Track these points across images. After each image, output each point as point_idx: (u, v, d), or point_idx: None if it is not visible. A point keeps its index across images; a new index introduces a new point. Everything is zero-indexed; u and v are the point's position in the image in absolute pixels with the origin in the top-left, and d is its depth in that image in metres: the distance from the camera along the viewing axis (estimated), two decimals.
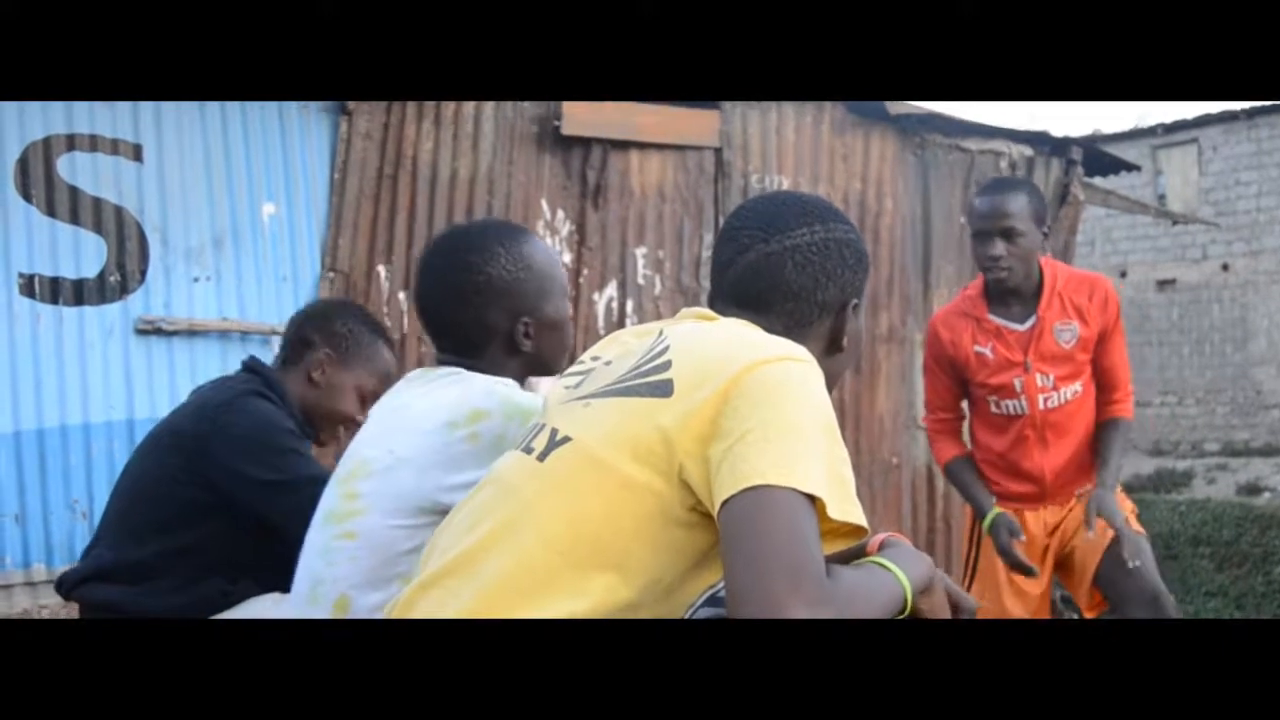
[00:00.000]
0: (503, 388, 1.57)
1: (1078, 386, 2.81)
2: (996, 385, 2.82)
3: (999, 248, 2.71)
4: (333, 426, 2.26)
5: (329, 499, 1.63)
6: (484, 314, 1.66)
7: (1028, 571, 2.71)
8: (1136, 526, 2.75)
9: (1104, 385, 2.85)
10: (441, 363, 1.69)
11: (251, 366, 2.23)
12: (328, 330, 2.23)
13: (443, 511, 1.48)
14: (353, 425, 2.17)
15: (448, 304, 1.68)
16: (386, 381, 2.20)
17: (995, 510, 2.80)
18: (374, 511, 1.55)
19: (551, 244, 4.69)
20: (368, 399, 2.22)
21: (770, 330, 1.26)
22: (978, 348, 2.83)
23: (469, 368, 1.65)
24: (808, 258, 1.31)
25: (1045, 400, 2.79)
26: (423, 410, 1.57)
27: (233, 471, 2.03)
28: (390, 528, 1.53)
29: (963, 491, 2.94)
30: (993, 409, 2.85)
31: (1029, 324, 2.79)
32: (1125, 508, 2.75)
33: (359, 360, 2.24)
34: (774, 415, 1.08)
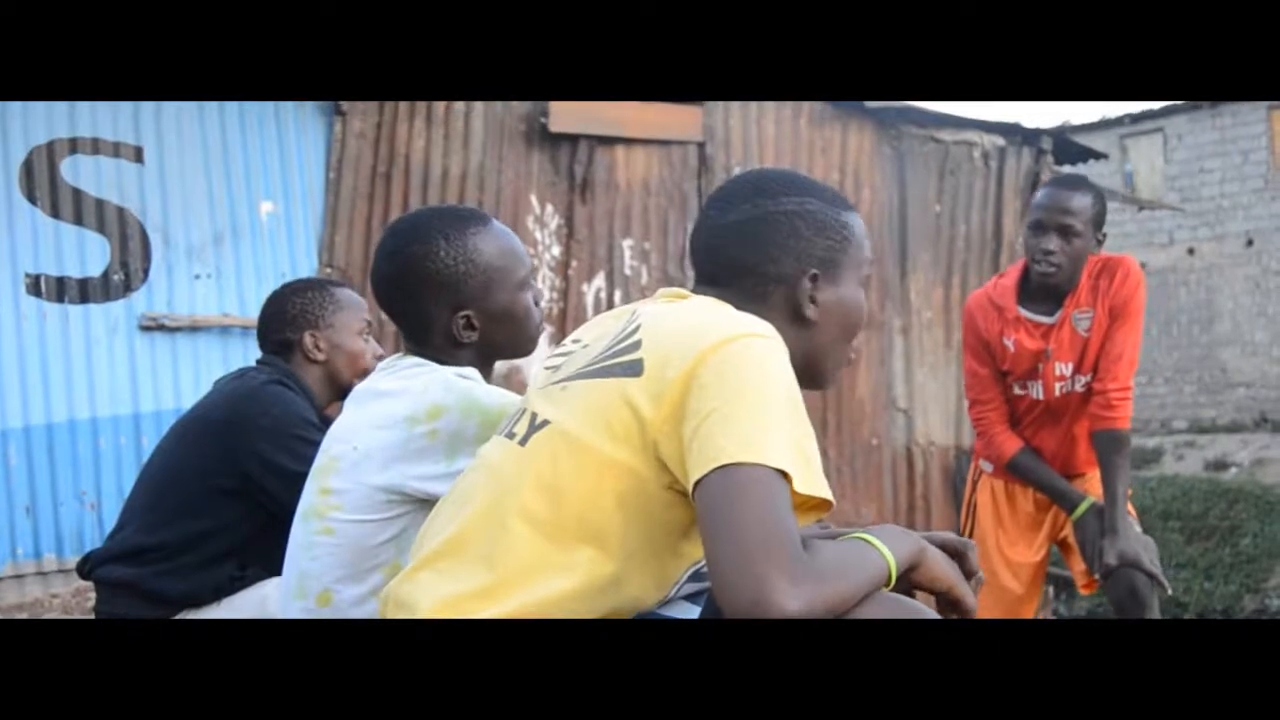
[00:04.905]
0: (463, 383, 1.55)
1: (1091, 378, 2.77)
2: (1021, 371, 2.83)
3: (1053, 242, 2.64)
4: (361, 371, 2.32)
5: (308, 494, 1.64)
6: (423, 305, 1.63)
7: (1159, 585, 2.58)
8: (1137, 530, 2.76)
9: (1099, 371, 2.72)
10: (408, 351, 1.71)
11: (266, 362, 2.32)
12: (289, 322, 2.30)
13: (411, 497, 1.54)
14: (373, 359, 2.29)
15: (391, 292, 1.67)
16: (361, 308, 2.33)
17: (1089, 500, 2.74)
18: (347, 508, 1.57)
19: (541, 237, 4.82)
20: (364, 329, 2.33)
21: (736, 304, 1.27)
22: (1004, 339, 2.81)
23: (425, 355, 1.65)
24: (756, 231, 1.31)
25: (1060, 388, 2.79)
26: (383, 404, 1.58)
27: (262, 458, 2.12)
28: (362, 523, 1.55)
29: (1043, 485, 2.83)
30: (1016, 389, 2.86)
31: (1055, 317, 2.75)
32: (1132, 513, 2.75)
33: (332, 314, 2.31)
34: (737, 393, 1.10)
